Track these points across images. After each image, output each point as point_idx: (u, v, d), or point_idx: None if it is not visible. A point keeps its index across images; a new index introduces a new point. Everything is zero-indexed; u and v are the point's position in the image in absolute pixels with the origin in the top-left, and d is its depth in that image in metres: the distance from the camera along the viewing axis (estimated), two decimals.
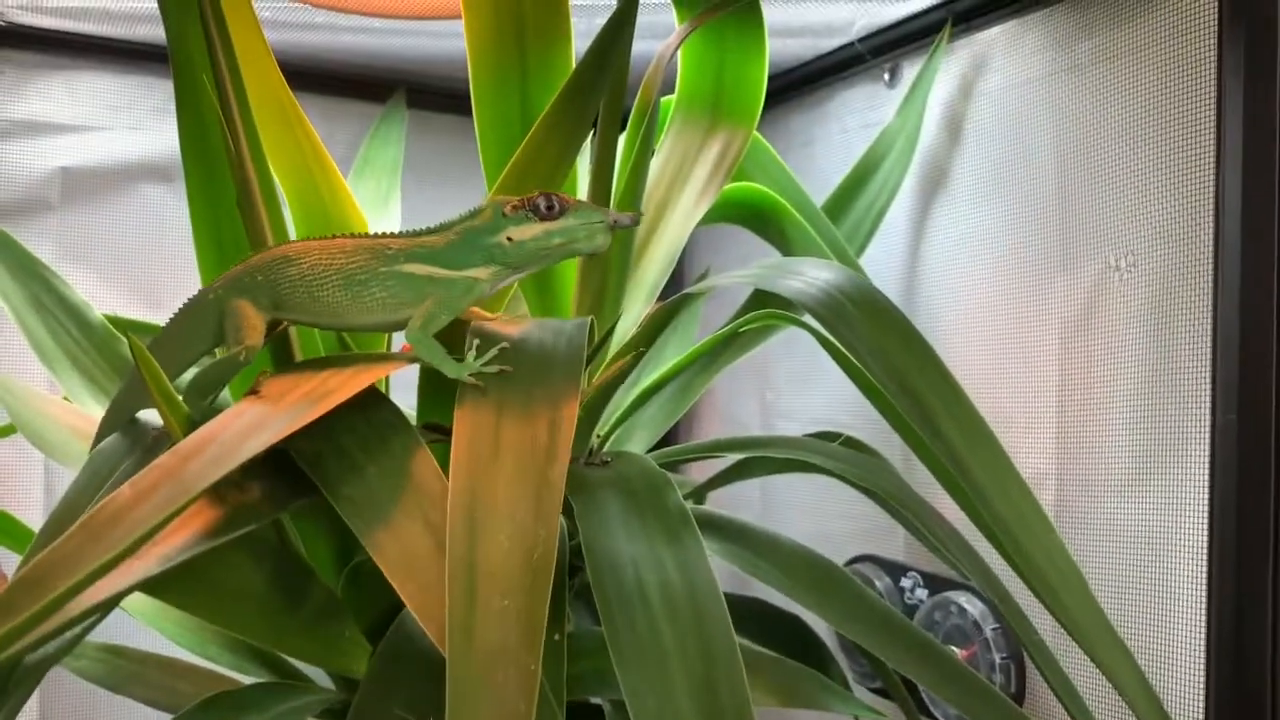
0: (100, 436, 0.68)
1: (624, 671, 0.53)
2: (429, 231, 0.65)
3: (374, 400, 0.61)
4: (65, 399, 0.87)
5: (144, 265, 1.19)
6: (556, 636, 0.64)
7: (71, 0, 1.07)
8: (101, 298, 1.16)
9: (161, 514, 0.47)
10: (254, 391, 0.61)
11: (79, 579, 0.44)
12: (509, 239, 0.63)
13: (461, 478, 0.51)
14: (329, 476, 0.56)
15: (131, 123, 1.19)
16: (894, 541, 1.07)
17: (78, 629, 0.55)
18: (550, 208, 0.62)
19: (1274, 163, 0.72)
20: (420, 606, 0.50)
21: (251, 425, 0.55)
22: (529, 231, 0.62)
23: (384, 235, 0.65)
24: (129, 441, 0.67)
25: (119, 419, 0.69)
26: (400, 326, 0.64)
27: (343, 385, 0.59)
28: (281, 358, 0.72)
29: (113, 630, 0.96)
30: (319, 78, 1.27)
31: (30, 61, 1.15)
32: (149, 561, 0.52)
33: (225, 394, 0.72)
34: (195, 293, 0.66)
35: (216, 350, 0.68)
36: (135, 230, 1.20)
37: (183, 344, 0.67)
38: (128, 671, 0.91)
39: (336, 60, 1.23)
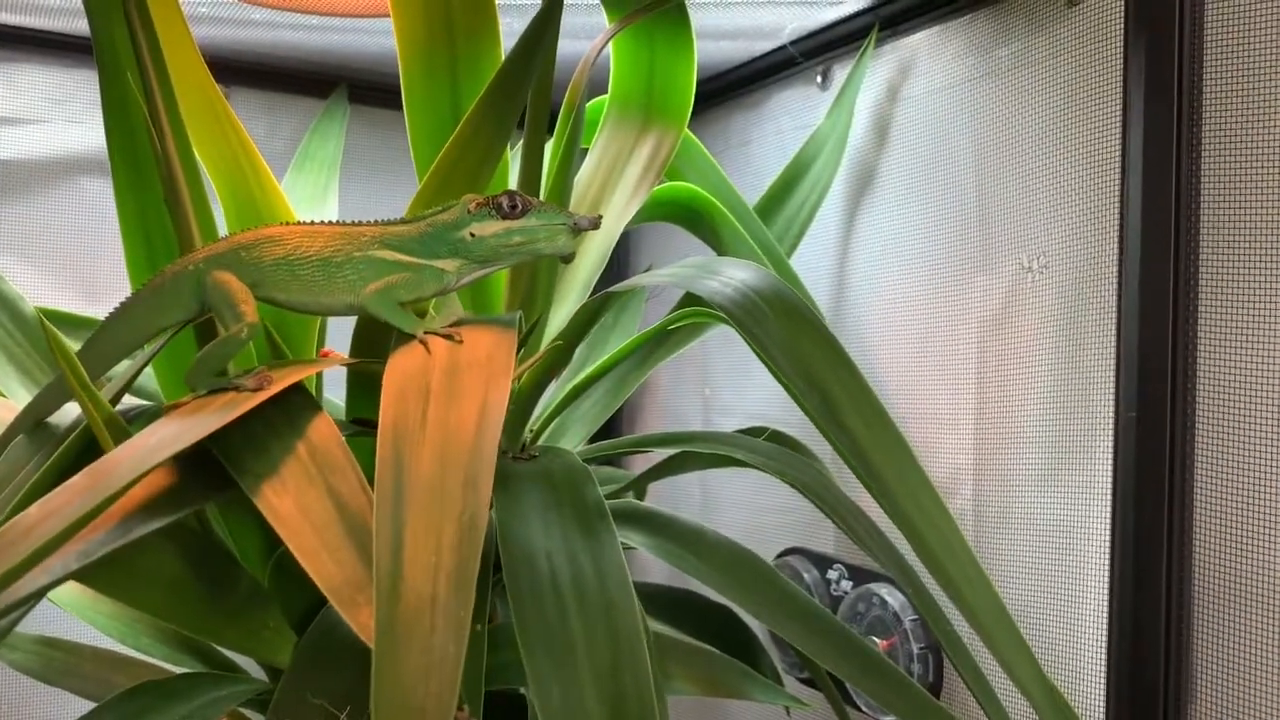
0: (17, 428, 0.69)
1: (530, 659, 0.55)
2: (402, 221, 0.68)
3: (289, 390, 0.62)
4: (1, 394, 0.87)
5: (81, 259, 1.19)
6: (479, 627, 0.65)
7: None
8: (39, 291, 1.15)
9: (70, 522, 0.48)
10: (175, 405, 0.62)
11: None
12: (471, 234, 0.65)
13: (388, 444, 0.52)
14: (237, 458, 0.57)
15: (70, 116, 1.19)
16: (824, 535, 1.09)
17: (2, 622, 0.56)
18: (514, 206, 0.65)
19: (1171, 170, 0.75)
20: (314, 563, 0.51)
21: (167, 438, 0.56)
22: (490, 228, 0.65)
23: (361, 223, 0.68)
24: (44, 437, 0.68)
25: (42, 411, 0.69)
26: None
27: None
28: None
29: (46, 622, 0.96)
30: (262, 74, 1.28)
31: None
32: (67, 557, 0.52)
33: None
34: (172, 263, 0.67)
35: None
36: (73, 224, 1.20)
37: (154, 313, 0.67)
38: (62, 664, 0.91)
39: (279, 56, 1.24)
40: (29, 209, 1.18)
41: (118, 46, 0.70)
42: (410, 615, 0.46)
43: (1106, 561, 0.79)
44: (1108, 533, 0.79)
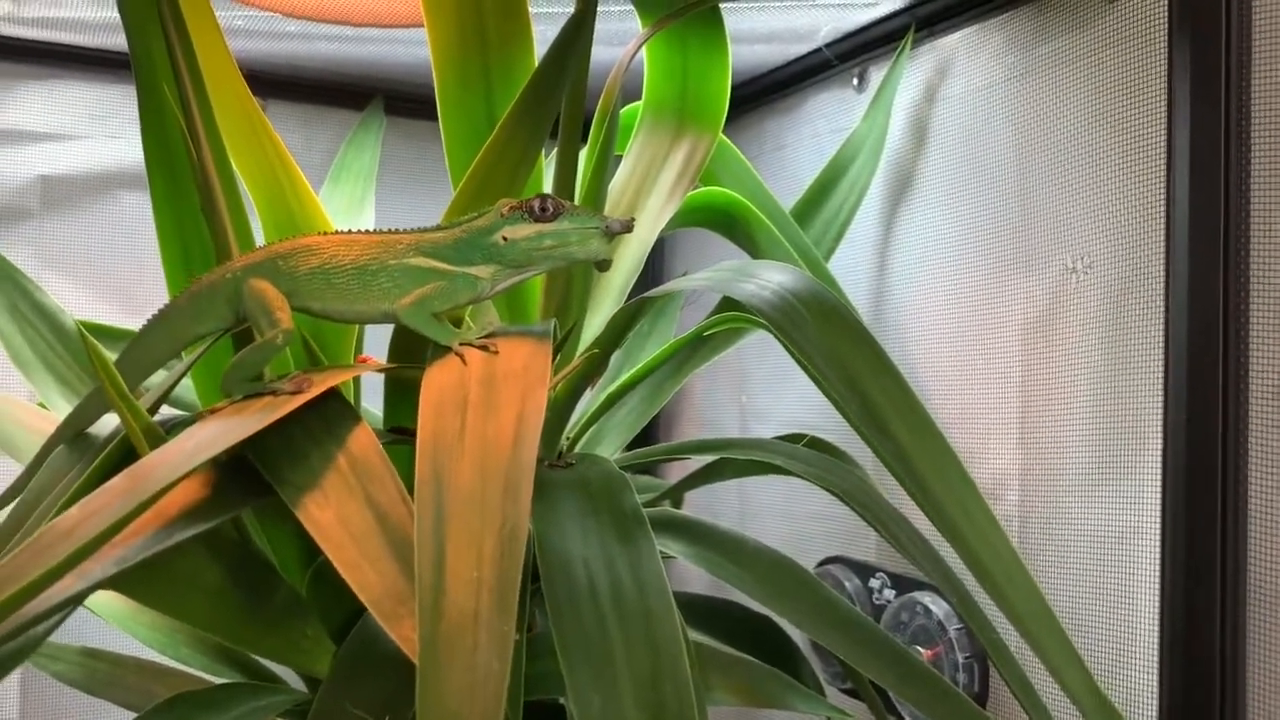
0: (58, 438, 0.69)
1: (570, 668, 0.54)
2: (437, 228, 0.68)
3: (327, 399, 0.62)
4: (41, 405, 0.88)
5: (121, 272, 1.20)
6: (516, 636, 0.65)
7: (50, 11, 1.08)
8: (80, 304, 1.17)
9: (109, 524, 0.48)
10: (213, 410, 0.62)
11: (27, 584, 0.44)
12: (504, 238, 0.65)
13: (428, 460, 0.52)
14: (276, 467, 0.57)
15: (110, 131, 1.20)
16: (865, 543, 1.08)
17: (41, 628, 0.56)
18: (545, 210, 0.65)
19: (1220, 166, 0.73)
20: (356, 575, 0.51)
21: (205, 441, 0.56)
22: (522, 232, 0.65)
23: (396, 231, 0.68)
24: (83, 447, 0.68)
25: (81, 422, 0.70)
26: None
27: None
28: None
29: (89, 634, 0.97)
30: (298, 86, 1.29)
31: (10, 71, 1.17)
32: (105, 563, 0.52)
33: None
34: (208, 271, 0.68)
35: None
36: (113, 237, 1.21)
37: (191, 321, 0.68)
38: (104, 674, 0.92)
39: (314, 69, 1.24)
40: (70, 223, 1.20)
41: (155, 59, 0.71)
42: (453, 632, 0.45)
43: (1157, 569, 0.78)
44: (1158, 539, 0.77)
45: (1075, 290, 0.86)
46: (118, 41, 1.15)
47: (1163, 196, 0.77)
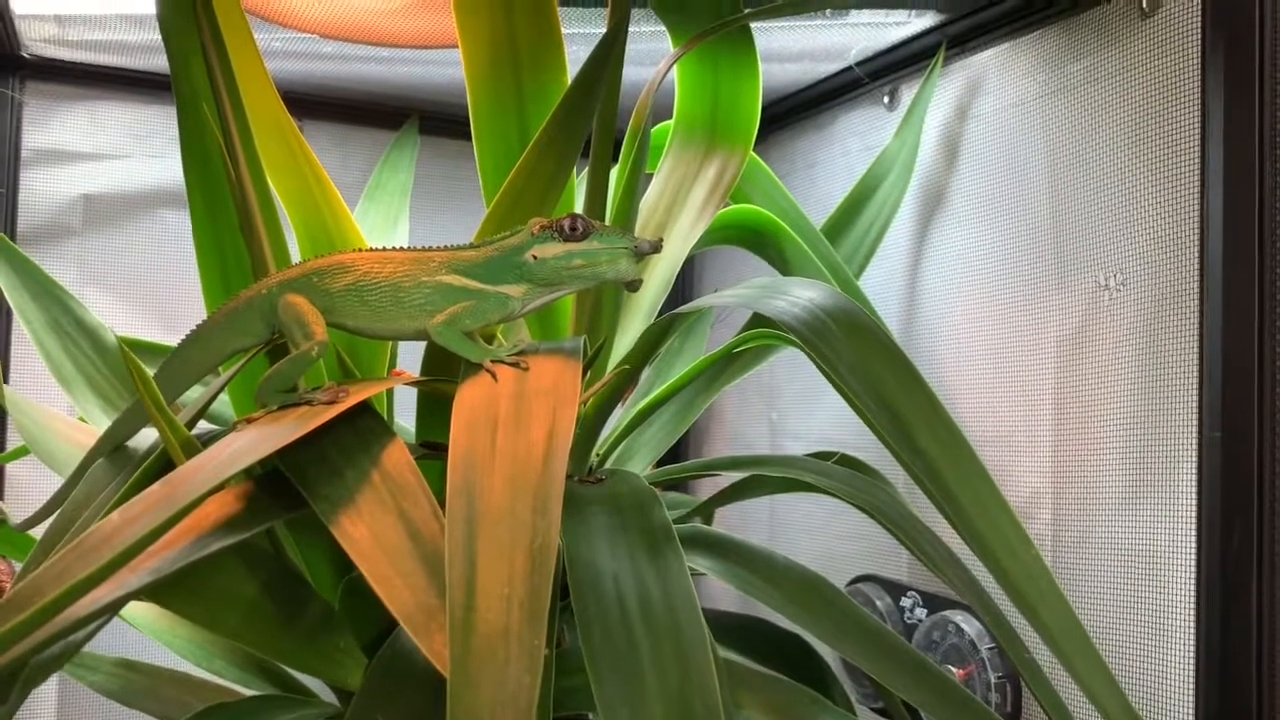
0: (98, 452, 0.70)
1: (599, 683, 0.54)
2: (470, 246, 0.68)
3: (360, 412, 0.63)
4: (81, 419, 0.90)
5: (162, 290, 1.22)
6: (546, 651, 0.65)
7: (93, 33, 1.10)
8: (121, 320, 1.19)
9: (149, 530, 0.49)
10: (249, 420, 0.63)
11: (63, 592, 0.45)
12: (534, 256, 0.65)
13: (459, 475, 0.52)
14: (310, 481, 0.58)
15: (151, 151, 1.22)
16: (897, 562, 1.07)
17: (79, 635, 0.57)
18: (575, 229, 0.65)
19: (1254, 180, 0.72)
20: (388, 589, 0.52)
21: (241, 449, 0.57)
22: (552, 250, 0.65)
23: (429, 248, 0.68)
24: (122, 460, 0.69)
25: (120, 436, 0.71)
26: None
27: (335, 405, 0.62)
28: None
29: (126, 646, 0.98)
30: (335, 107, 1.31)
31: (54, 92, 1.19)
32: (141, 573, 0.53)
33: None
34: (246, 288, 0.69)
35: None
36: (154, 255, 1.23)
37: (228, 336, 0.69)
38: (140, 686, 0.93)
39: (351, 89, 1.26)
40: (112, 242, 1.22)
41: (194, 80, 0.72)
42: (484, 647, 0.46)
43: (1193, 588, 0.77)
44: (1193, 558, 0.77)
45: (1108, 306, 0.85)
46: (159, 63, 1.18)
47: (1197, 211, 0.77)
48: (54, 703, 1.18)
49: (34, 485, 1.16)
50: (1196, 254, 0.77)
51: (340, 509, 0.57)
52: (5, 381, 1.15)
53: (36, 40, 1.13)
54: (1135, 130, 0.83)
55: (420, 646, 0.50)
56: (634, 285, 0.69)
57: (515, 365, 0.63)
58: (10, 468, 1.15)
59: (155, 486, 0.53)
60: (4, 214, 1.16)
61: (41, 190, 1.19)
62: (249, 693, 0.84)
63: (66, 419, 0.89)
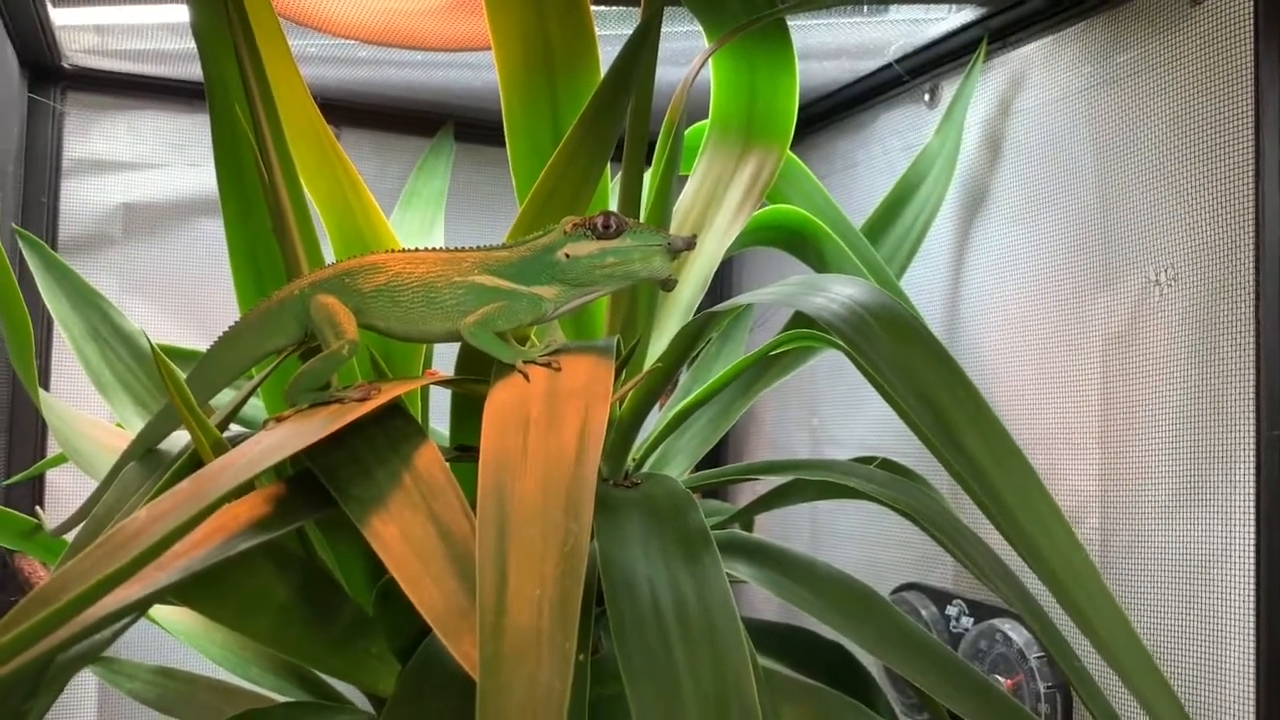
0: (130, 455, 0.70)
1: (634, 689, 0.53)
2: (503, 247, 0.67)
3: (392, 414, 0.63)
4: (119, 425, 0.90)
5: (202, 297, 1.23)
6: (581, 657, 0.64)
7: (132, 43, 1.11)
8: (161, 328, 1.19)
9: (176, 525, 0.49)
10: (279, 418, 0.63)
11: (89, 586, 0.45)
12: (566, 255, 0.64)
13: (490, 476, 0.51)
14: (341, 481, 0.57)
15: (189, 160, 1.23)
16: (942, 570, 1.05)
17: (105, 634, 0.57)
18: (608, 227, 0.64)
19: None
20: (418, 591, 0.51)
21: (271, 446, 0.56)
22: (585, 249, 0.64)
23: (461, 249, 0.67)
24: (154, 463, 0.69)
25: (152, 439, 0.71)
26: None
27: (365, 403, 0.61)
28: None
29: (162, 654, 0.98)
30: (371, 113, 1.31)
31: (94, 103, 1.20)
32: (170, 571, 0.53)
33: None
34: (279, 289, 0.69)
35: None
36: (193, 263, 1.24)
37: (260, 338, 0.69)
38: (176, 693, 0.93)
39: (386, 95, 1.26)
40: (151, 250, 1.23)
41: (228, 84, 0.72)
42: (515, 651, 0.44)
43: (1252, 592, 0.74)
44: (1252, 560, 0.74)
45: (1159, 303, 0.82)
46: (196, 72, 1.18)
47: (1251, 202, 0.74)
48: (94, 711, 1.18)
49: (74, 493, 1.17)
50: (1251, 247, 0.74)
51: (371, 510, 0.56)
52: (46, 389, 1.16)
53: (77, 51, 1.14)
54: (1185, 122, 0.81)
55: (450, 649, 0.49)
56: (669, 284, 0.67)
57: (548, 366, 0.62)
58: (50, 476, 1.16)
59: (183, 484, 0.53)
60: (45, 223, 1.18)
61: (82, 199, 1.20)
62: (283, 699, 0.83)
63: (103, 425, 0.89)
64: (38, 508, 1.12)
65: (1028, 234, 0.96)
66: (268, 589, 0.67)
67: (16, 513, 0.94)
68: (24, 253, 0.94)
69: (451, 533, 0.56)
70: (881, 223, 1.04)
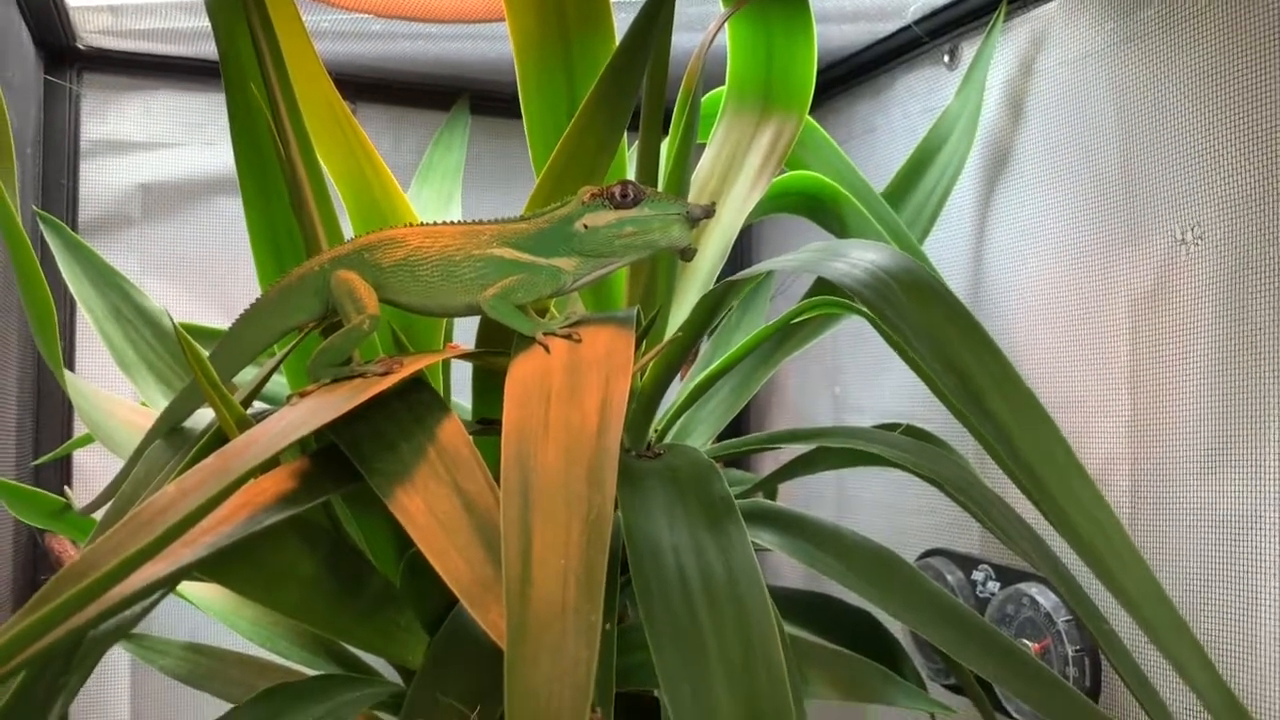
0: (155, 433, 0.71)
1: (660, 656, 0.53)
2: (521, 219, 0.67)
3: (415, 388, 0.63)
4: (143, 404, 0.91)
5: (221, 275, 1.23)
6: (608, 626, 0.64)
7: (146, 22, 1.11)
8: (182, 307, 1.20)
9: (203, 501, 0.49)
10: (302, 394, 0.63)
11: (118, 563, 0.45)
12: (585, 225, 0.64)
13: (513, 448, 0.51)
14: (365, 455, 0.58)
15: (206, 138, 1.23)
16: (968, 536, 1.04)
17: (135, 610, 0.57)
18: (626, 196, 0.64)
19: None
20: (444, 562, 0.51)
21: (295, 421, 0.56)
22: (603, 219, 0.64)
23: (480, 222, 0.67)
24: (179, 441, 0.70)
25: (177, 416, 0.71)
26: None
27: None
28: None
29: (193, 629, 0.99)
30: (388, 89, 1.30)
31: (110, 84, 1.20)
32: (197, 548, 0.53)
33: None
34: (299, 265, 0.69)
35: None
36: (213, 242, 1.24)
37: (282, 314, 0.69)
38: (207, 668, 0.94)
39: (402, 70, 1.26)
40: (171, 230, 1.23)
41: (243, 60, 0.72)
42: (541, 621, 0.45)
43: None
44: None
45: (1186, 262, 0.81)
46: (210, 50, 1.18)
47: (1278, 158, 0.73)
48: (127, 687, 1.20)
49: (101, 473, 1.18)
50: (1279, 203, 0.73)
51: (395, 483, 0.56)
52: (71, 369, 1.16)
53: (91, 31, 1.14)
54: (1210, 77, 0.79)
55: (477, 619, 0.49)
56: (688, 253, 0.67)
57: (568, 337, 0.61)
58: (78, 456, 1.17)
59: (209, 460, 0.53)
60: (65, 205, 1.18)
61: (101, 181, 1.21)
62: (313, 673, 0.84)
63: (128, 404, 0.89)
64: (66, 487, 1.13)
65: (1051, 195, 0.95)
66: (295, 563, 0.68)
67: (46, 492, 0.95)
68: (45, 235, 0.94)
69: (476, 504, 0.56)
70: (903, 187, 1.02)
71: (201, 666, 0.94)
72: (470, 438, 0.61)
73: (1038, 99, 0.96)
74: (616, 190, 0.64)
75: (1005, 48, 0.99)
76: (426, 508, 0.55)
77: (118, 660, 1.18)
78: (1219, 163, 0.78)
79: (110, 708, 1.19)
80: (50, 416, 1.16)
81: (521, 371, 0.59)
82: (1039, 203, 0.96)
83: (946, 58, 1.07)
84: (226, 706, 0.83)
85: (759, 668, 0.52)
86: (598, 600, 0.45)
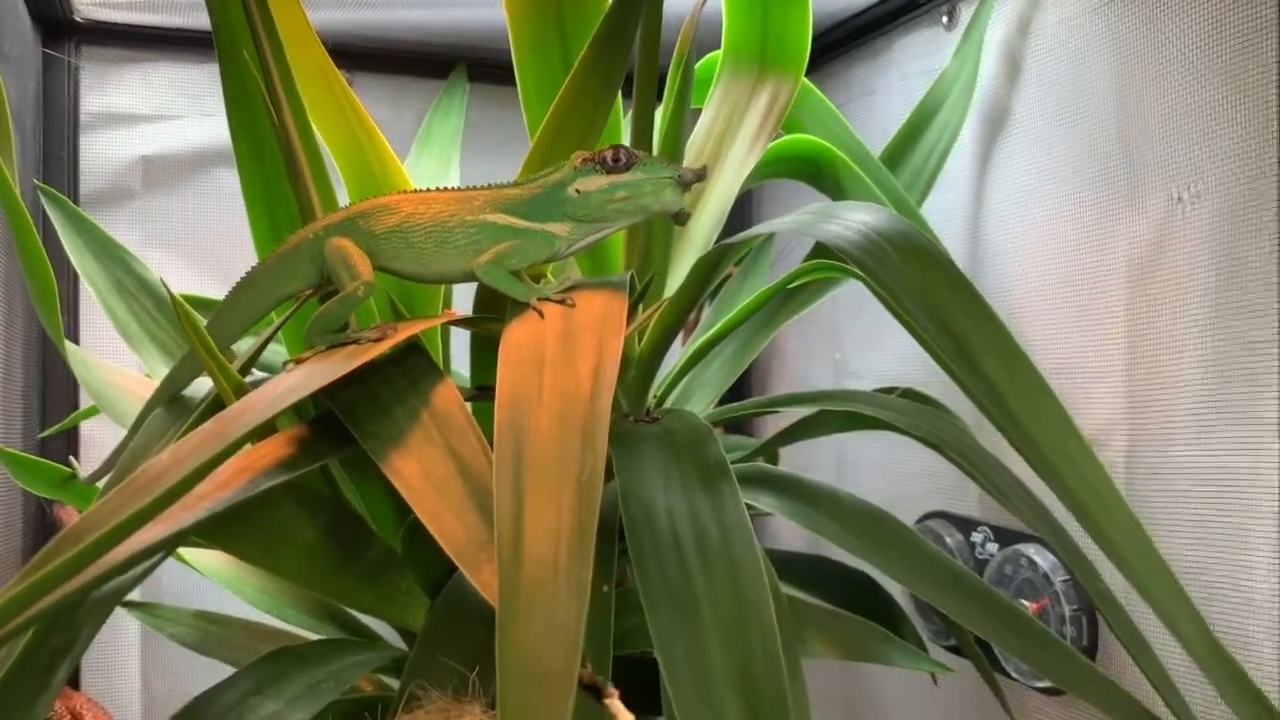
0: (156, 401, 0.71)
1: (654, 615, 0.53)
2: (514, 185, 0.67)
3: (410, 354, 0.63)
4: (147, 375, 0.91)
5: (221, 246, 1.24)
6: (605, 588, 0.65)
7: None
8: (184, 278, 1.20)
9: (199, 464, 0.49)
10: (298, 360, 0.63)
11: (116, 524, 0.45)
12: (577, 190, 0.64)
13: (506, 413, 0.52)
14: (360, 420, 0.58)
15: (205, 110, 1.23)
16: (967, 498, 1.05)
17: (135, 572, 0.58)
18: (617, 160, 0.64)
19: None
20: (438, 524, 0.52)
21: (291, 386, 0.57)
22: (595, 184, 0.64)
23: (473, 188, 0.67)
24: (179, 409, 0.70)
25: (176, 385, 0.72)
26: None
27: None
28: None
29: (201, 597, 1.01)
30: (384, 58, 1.30)
31: (108, 56, 1.20)
32: (196, 511, 0.54)
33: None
34: (294, 233, 0.69)
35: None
36: (214, 213, 1.24)
37: (278, 282, 0.69)
38: (216, 635, 0.95)
39: (398, 39, 1.25)
40: (171, 202, 1.23)
41: (234, 27, 0.72)
42: (532, 582, 0.45)
43: (1277, 515, 0.73)
44: (1278, 484, 0.73)
45: (1183, 222, 0.81)
46: (206, 20, 1.18)
47: (1276, 116, 0.72)
48: (137, 655, 1.21)
49: (107, 444, 1.18)
50: (1276, 161, 0.72)
51: (390, 446, 0.57)
52: (76, 342, 1.17)
53: (89, 4, 1.14)
54: (1208, 35, 0.78)
55: (470, 578, 0.50)
56: (681, 217, 0.67)
57: (562, 303, 0.62)
58: (84, 428, 1.18)
59: (207, 425, 0.53)
60: (66, 178, 1.18)
61: (101, 153, 1.21)
62: (317, 637, 0.85)
63: (130, 374, 0.90)
64: (71, 458, 1.14)
65: (1048, 156, 0.94)
66: (295, 528, 0.68)
67: (50, 462, 0.95)
68: (46, 208, 0.95)
69: (470, 468, 0.57)
70: (900, 150, 1.02)
71: (210, 634, 0.95)
72: (465, 402, 0.61)
73: (1036, 59, 0.96)
74: (608, 155, 0.64)
75: (1003, 7, 0.99)
76: (421, 471, 0.56)
77: (128, 629, 1.20)
78: (1215, 122, 0.78)
79: (120, 674, 1.21)
80: (56, 389, 1.17)
81: (516, 337, 0.59)
82: (1037, 163, 0.96)
83: (944, 19, 1.07)
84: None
85: (752, 627, 0.53)
86: (588, 560, 0.46)
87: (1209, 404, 0.79)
